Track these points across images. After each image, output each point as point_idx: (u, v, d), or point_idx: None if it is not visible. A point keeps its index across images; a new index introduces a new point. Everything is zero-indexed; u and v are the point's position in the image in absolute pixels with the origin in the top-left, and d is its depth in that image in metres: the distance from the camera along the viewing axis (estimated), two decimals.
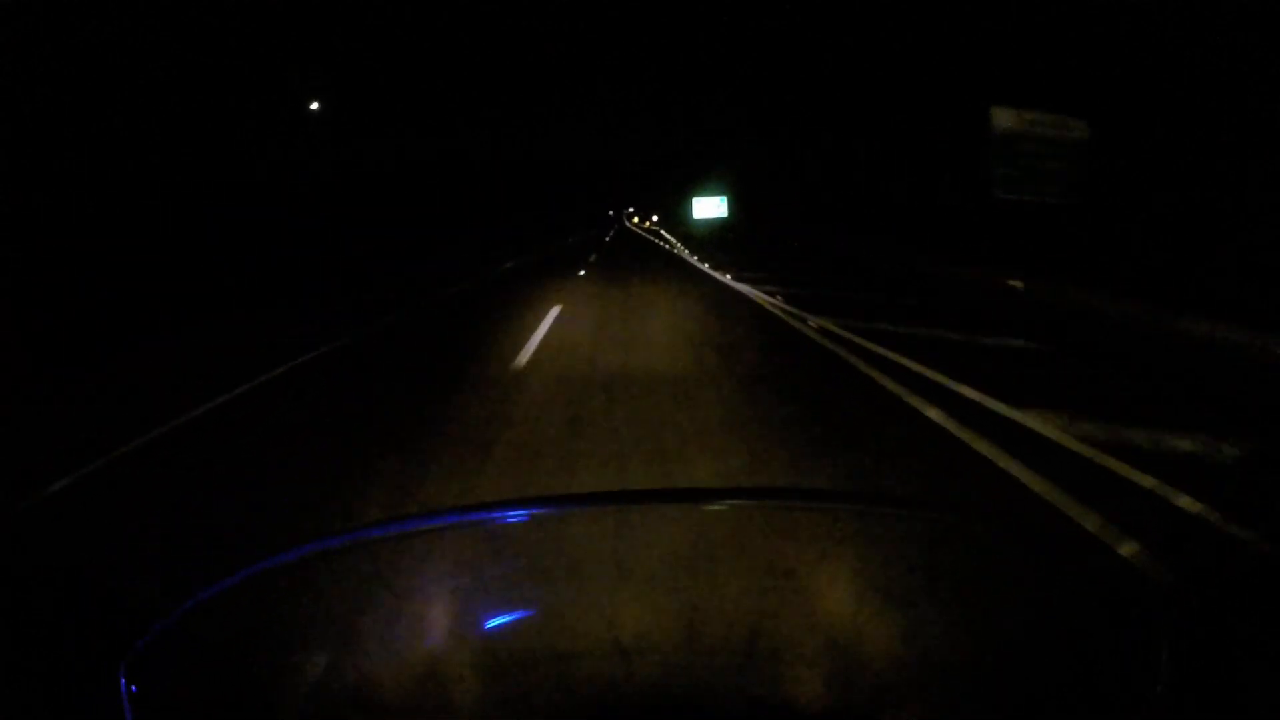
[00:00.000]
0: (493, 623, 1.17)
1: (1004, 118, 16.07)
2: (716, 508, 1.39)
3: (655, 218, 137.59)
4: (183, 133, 16.38)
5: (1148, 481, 4.13)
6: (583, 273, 21.21)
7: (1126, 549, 3.30)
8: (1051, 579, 1.18)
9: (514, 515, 1.41)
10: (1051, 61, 16.35)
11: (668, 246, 39.88)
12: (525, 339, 9.45)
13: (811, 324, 10.13)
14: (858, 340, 8.63)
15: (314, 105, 23.12)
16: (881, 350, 7.95)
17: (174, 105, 16.23)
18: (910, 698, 0.98)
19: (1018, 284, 12.32)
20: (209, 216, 16.30)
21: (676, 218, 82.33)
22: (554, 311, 12.05)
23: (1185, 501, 3.82)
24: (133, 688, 0.90)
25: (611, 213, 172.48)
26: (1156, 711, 0.87)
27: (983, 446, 4.81)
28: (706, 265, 23.32)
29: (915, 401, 5.96)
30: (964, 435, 5.08)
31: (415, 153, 32.06)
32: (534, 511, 1.44)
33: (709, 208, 49.95)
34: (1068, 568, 1.22)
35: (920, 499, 1.18)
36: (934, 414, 5.58)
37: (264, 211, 18.54)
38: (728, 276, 18.39)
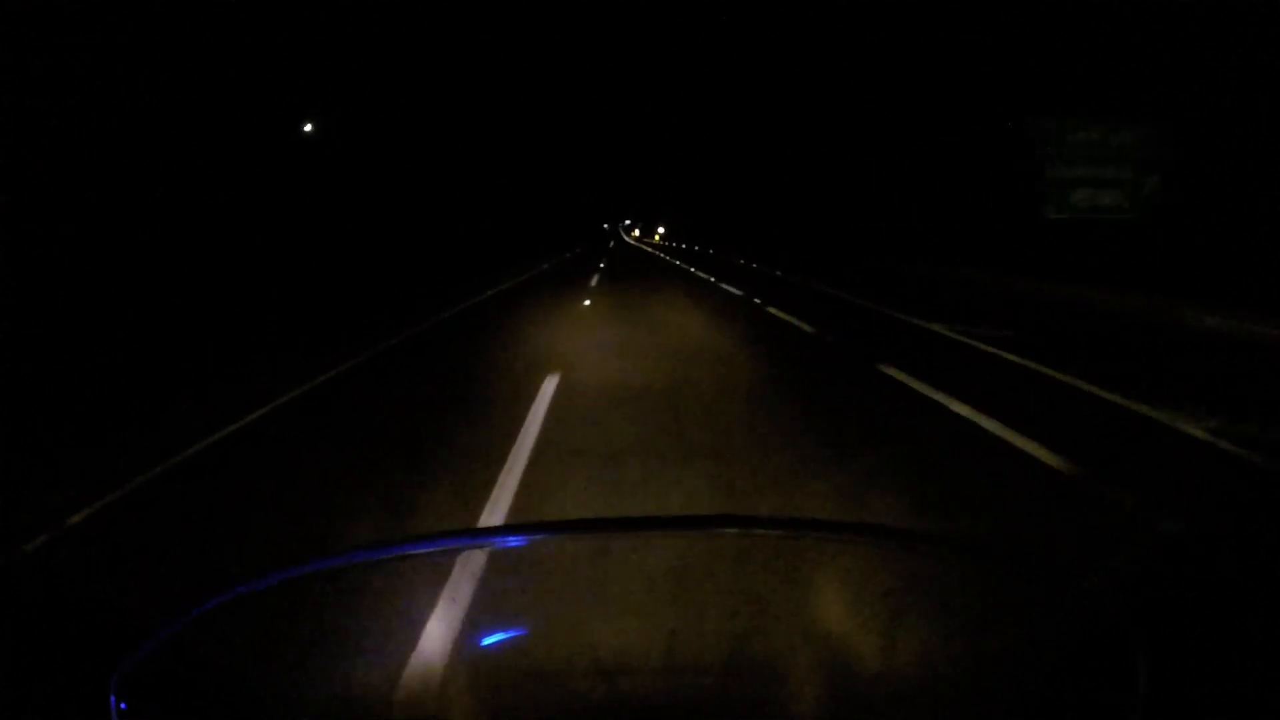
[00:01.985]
0: (478, 645, 1.19)
1: (1048, 127, 15.72)
2: (695, 536, 1.41)
3: (662, 229, 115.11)
4: (172, 151, 16.33)
5: None
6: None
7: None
8: (1029, 607, 1.19)
9: (501, 541, 1.43)
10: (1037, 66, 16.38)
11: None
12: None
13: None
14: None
15: (308, 127, 23.00)
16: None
17: (168, 124, 16.23)
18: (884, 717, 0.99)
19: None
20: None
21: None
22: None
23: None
24: (122, 704, 0.90)
25: (606, 225, 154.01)
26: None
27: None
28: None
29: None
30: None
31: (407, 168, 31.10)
32: (519, 539, 1.47)
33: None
34: (1045, 596, 1.23)
35: (900, 530, 1.20)
36: None
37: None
38: None
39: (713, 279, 22.86)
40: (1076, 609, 1.15)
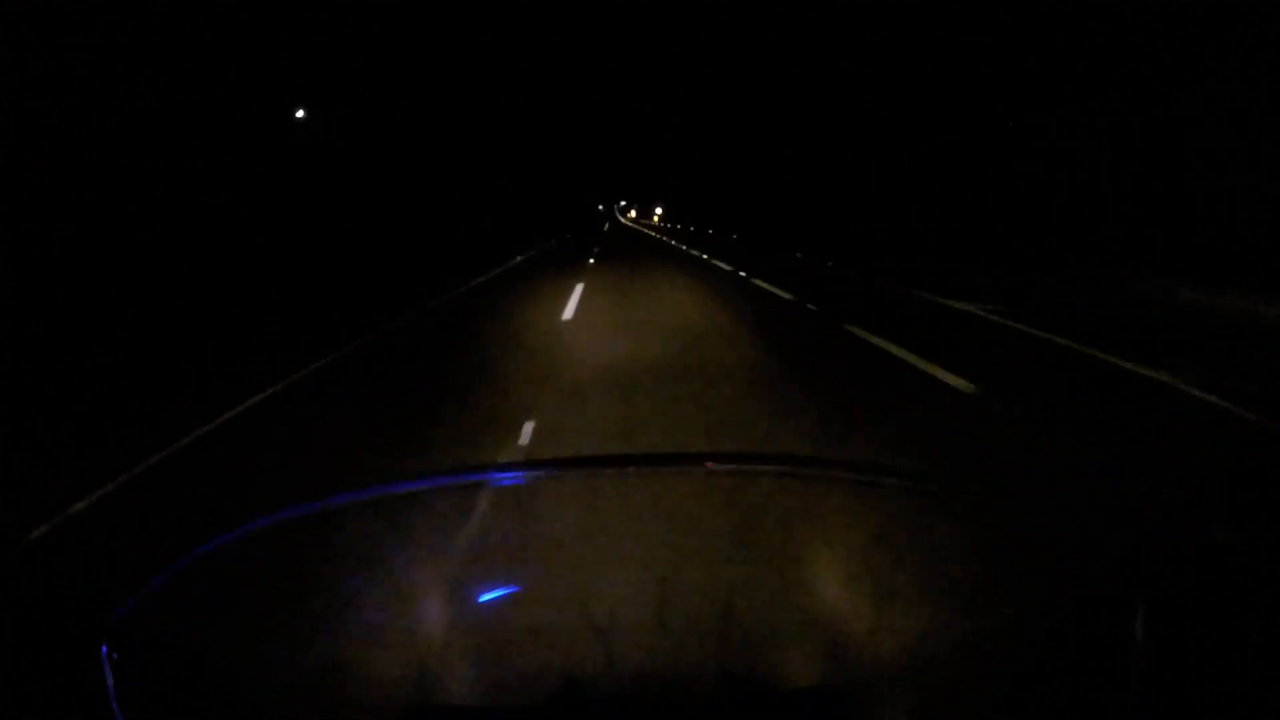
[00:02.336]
0: (470, 600, 1.18)
1: None
2: (688, 473, 1.40)
3: (660, 210, 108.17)
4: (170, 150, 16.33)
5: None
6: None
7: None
8: (1030, 554, 1.17)
9: (492, 479, 1.42)
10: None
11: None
12: None
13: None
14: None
15: (299, 113, 22.92)
16: None
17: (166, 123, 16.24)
18: (884, 676, 0.98)
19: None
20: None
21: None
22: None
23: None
24: (114, 654, 0.89)
25: (601, 207, 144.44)
26: (1134, 709, 0.87)
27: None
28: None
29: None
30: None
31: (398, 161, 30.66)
32: (509, 476, 1.45)
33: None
34: (1044, 541, 1.21)
35: (892, 467, 1.19)
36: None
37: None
38: None
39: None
40: (1078, 569, 1.14)
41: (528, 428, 5.66)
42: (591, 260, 24.04)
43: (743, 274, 18.02)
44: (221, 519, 1.13)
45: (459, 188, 38.78)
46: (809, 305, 12.31)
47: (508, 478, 1.43)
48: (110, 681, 0.87)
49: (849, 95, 27.47)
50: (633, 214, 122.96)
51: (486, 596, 1.19)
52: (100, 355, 9.99)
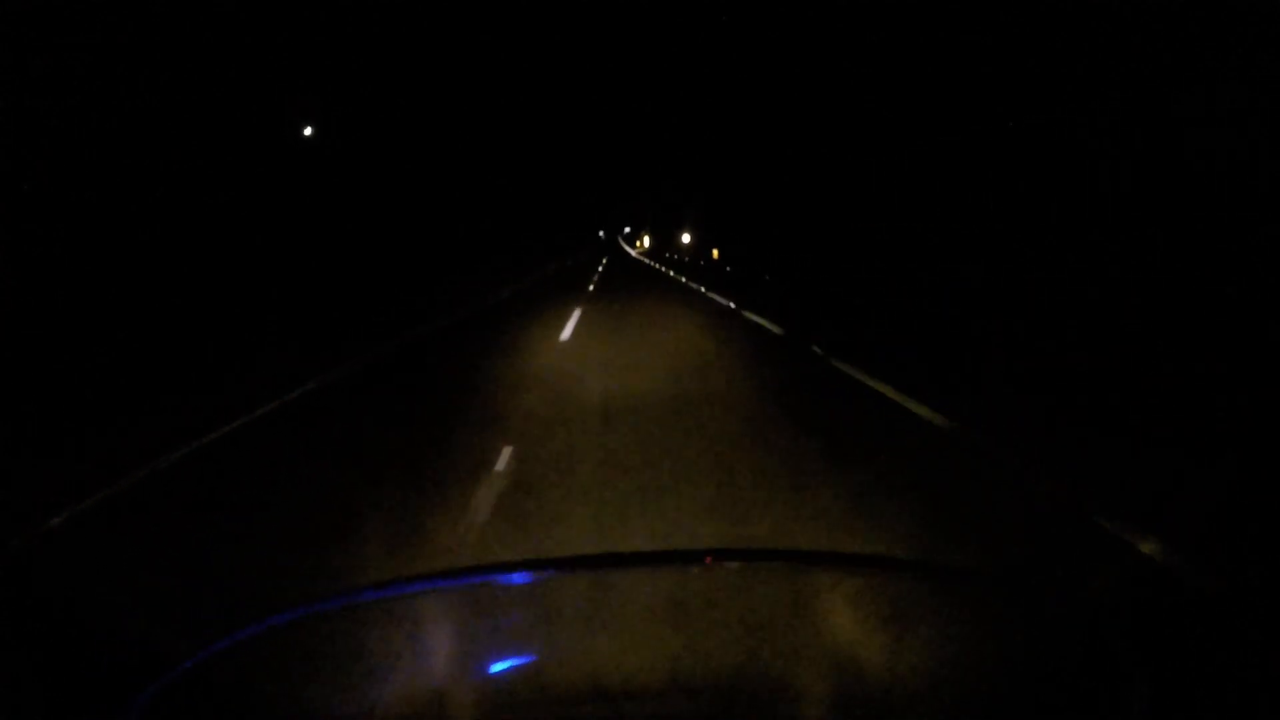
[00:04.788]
0: (484, 674, 1.21)
1: None
2: (693, 570, 1.44)
3: (646, 238, 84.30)
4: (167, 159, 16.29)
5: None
6: None
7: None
8: (1027, 633, 1.20)
9: (503, 579, 1.48)
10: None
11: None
12: None
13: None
14: None
15: (307, 130, 22.87)
16: None
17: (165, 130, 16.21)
18: None
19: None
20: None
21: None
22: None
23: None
24: None
25: (602, 233, 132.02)
26: None
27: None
28: None
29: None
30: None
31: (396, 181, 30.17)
32: (519, 576, 1.50)
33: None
34: (1041, 622, 1.23)
35: (889, 560, 1.24)
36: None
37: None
38: None
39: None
40: (1073, 633, 1.17)
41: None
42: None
43: None
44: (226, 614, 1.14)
45: (451, 197, 38.20)
46: None
47: (514, 579, 1.48)
48: None
49: (849, 95, 27.47)
50: (646, 242, 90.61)
51: (499, 667, 1.22)
52: (99, 355, 9.99)
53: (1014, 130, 18.17)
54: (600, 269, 46.11)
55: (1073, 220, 15.47)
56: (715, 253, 41.34)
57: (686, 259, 57.25)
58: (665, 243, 79.19)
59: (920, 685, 1.07)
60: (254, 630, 1.12)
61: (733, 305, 18.01)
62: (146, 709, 0.96)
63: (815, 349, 10.26)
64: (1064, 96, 16.11)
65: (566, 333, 13.26)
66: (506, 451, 5.51)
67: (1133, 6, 13.85)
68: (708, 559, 1.46)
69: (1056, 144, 16.53)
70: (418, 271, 27.56)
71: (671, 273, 37.86)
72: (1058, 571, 3.43)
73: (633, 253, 71.68)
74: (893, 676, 1.10)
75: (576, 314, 16.51)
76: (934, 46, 20.85)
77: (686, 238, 62.48)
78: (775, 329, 12.85)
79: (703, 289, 23.33)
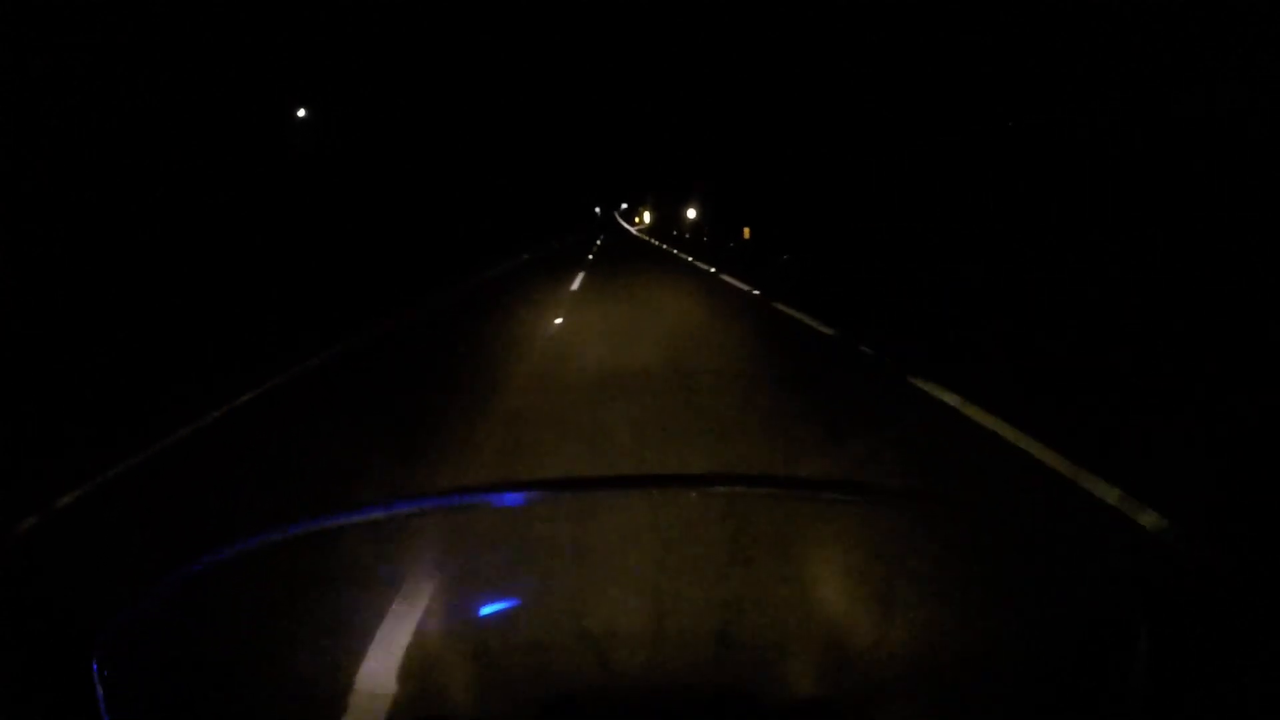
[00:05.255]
0: (469, 615, 1.18)
1: None
2: (682, 494, 1.40)
3: (645, 215, 78.89)
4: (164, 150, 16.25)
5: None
6: None
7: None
8: (1029, 572, 1.17)
9: (489, 500, 1.42)
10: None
11: None
12: None
13: None
14: None
15: (300, 112, 22.81)
16: None
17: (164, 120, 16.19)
18: (882, 689, 0.98)
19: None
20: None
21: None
22: None
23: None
24: (105, 671, 0.89)
25: (599, 210, 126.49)
26: (1139, 711, 0.87)
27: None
28: None
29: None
30: None
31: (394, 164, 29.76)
32: (507, 498, 1.45)
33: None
34: (1045, 561, 1.20)
35: (892, 489, 1.18)
36: None
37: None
38: None
39: None
40: (1079, 583, 1.14)
41: None
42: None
43: None
44: (214, 531, 1.12)
45: (451, 188, 37.63)
46: None
47: (505, 499, 1.43)
48: (100, 696, 0.87)
49: (849, 95, 27.45)
50: (646, 218, 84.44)
51: (485, 610, 1.19)
52: (98, 356, 9.98)
53: (1014, 130, 18.16)
54: (601, 239, 39.82)
55: (1073, 220, 15.46)
56: (746, 231, 38.14)
57: (687, 235, 53.09)
58: (668, 219, 72.69)
59: (915, 632, 1.05)
60: (208, 560, 1.07)
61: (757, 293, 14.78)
62: (115, 634, 0.95)
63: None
64: (1064, 96, 16.12)
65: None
66: None
67: (1133, 6, 13.84)
68: (702, 485, 1.41)
69: (1056, 144, 16.53)
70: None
71: (683, 254, 33.18)
72: (1068, 517, 3.46)
73: (632, 230, 63.91)
74: (887, 618, 1.08)
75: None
76: (934, 46, 20.84)
77: (692, 213, 57.36)
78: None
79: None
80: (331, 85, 24.80)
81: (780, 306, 12.32)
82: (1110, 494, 3.95)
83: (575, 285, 18.23)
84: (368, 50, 27.70)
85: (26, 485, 5.25)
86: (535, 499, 1.41)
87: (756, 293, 14.89)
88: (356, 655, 1.04)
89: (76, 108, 13.68)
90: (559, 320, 11.70)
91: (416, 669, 1.02)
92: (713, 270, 21.54)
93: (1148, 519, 3.63)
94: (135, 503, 4.83)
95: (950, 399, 5.89)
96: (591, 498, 1.37)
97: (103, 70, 14.29)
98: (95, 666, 0.89)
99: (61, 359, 9.71)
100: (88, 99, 13.91)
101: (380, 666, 1.03)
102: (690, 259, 28.35)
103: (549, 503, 1.38)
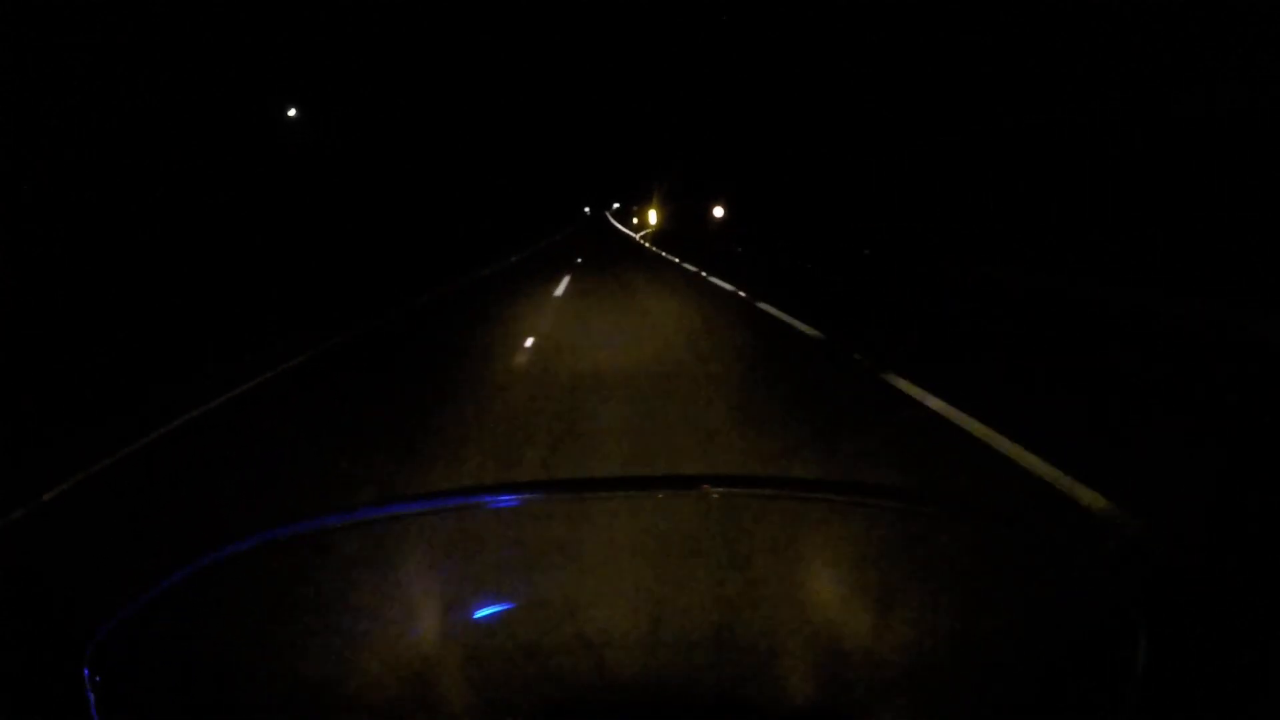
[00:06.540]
0: (464, 618, 1.17)
1: None
2: (678, 496, 1.38)
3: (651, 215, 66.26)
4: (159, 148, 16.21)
5: None
6: None
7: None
8: (1025, 578, 1.16)
9: (484, 502, 1.41)
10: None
11: None
12: None
13: None
14: None
15: (291, 111, 22.73)
16: None
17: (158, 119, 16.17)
18: (878, 690, 0.97)
19: None
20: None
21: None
22: None
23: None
24: (96, 677, 0.88)
25: (588, 209, 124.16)
26: (1135, 710, 0.86)
27: None
28: None
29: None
30: None
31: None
32: (502, 499, 1.44)
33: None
34: (1043, 562, 1.19)
35: (889, 489, 1.15)
36: None
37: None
38: None
39: None
40: (1076, 585, 1.13)
41: None
42: None
43: None
44: (207, 534, 1.12)
45: (446, 186, 36.93)
46: None
47: (502, 501, 1.42)
48: (93, 703, 0.86)
49: (849, 95, 27.43)
50: (652, 218, 68.93)
51: (481, 613, 1.18)
52: (97, 356, 9.97)
53: (1014, 130, 18.15)
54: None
55: (1073, 220, 15.45)
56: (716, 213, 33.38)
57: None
58: (685, 222, 58.99)
59: (912, 636, 1.04)
60: (202, 563, 1.06)
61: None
62: (106, 641, 0.94)
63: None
64: (1064, 96, 16.10)
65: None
66: None
67: (1133, 6, 13.83)
68: (701, 487, 1.39)
69: (1056, 144, 16.52)
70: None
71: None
72: (1065, 519, 3.47)
73: (635, 237, 52.08)
74: (885, 626, 1.07)
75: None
76: (934, 46, 20.83)
77: (719, 211, 49.01)
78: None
79: None
80: (330, 84, 24.79)
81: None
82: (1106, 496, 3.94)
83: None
84: (366, 50, 27.68)
85: (21, 478, 5.29)
86: (532, 500, 1.40)
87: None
88: (351, 657, 1.03)
89: (76, 108, 13.67)
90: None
91: (411, 672, 1.02)
92: None
93: (1144, 520, 3.63)
94: (125, 494, 4.96)
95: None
96: (586, 500, 1.37)
97: (102, 70, 14.28)
98: (87, 673, 0.88)
99: (61, 359, 9.71)
100: (87, 99, 13.90)
101: (375, 669, 1.02)
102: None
103: (545, 504, 1.37)
